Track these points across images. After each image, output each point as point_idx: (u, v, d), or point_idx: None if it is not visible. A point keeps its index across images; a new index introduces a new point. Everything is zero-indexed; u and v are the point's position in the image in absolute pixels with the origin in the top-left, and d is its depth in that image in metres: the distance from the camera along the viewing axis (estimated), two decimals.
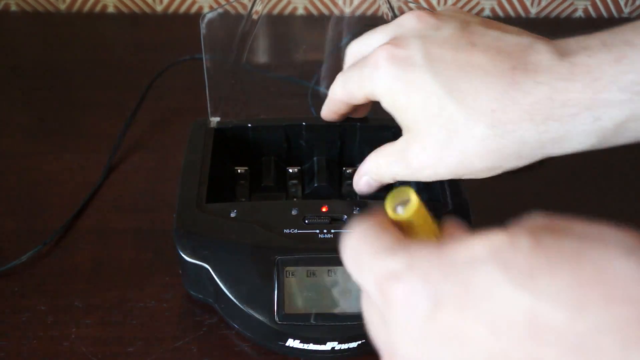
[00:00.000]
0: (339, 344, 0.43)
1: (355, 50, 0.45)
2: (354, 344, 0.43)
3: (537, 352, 0.21)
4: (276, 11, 0.81)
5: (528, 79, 0.37)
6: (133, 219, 0.55)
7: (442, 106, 0.38)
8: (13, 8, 0.80)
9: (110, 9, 0.81)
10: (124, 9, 0.81)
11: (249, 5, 0.54)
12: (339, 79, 0.45)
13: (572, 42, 0.38)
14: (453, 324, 0.24)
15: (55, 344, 0.46)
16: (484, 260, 0.23)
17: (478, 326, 0.23)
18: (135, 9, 0.81)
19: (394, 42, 0.41)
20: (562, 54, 0.37)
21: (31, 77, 0.70)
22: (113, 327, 0.47)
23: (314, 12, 0.82)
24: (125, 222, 0.55)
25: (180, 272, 0.47)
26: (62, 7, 0.81)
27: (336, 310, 0.43)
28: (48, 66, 0.72)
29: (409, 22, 0.41)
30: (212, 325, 0.47)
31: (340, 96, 0.45)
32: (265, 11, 0.56)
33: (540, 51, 0.38)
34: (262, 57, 0.58)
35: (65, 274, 0.50)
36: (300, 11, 0.81)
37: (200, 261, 0.44)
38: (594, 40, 0.37)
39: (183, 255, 0.45)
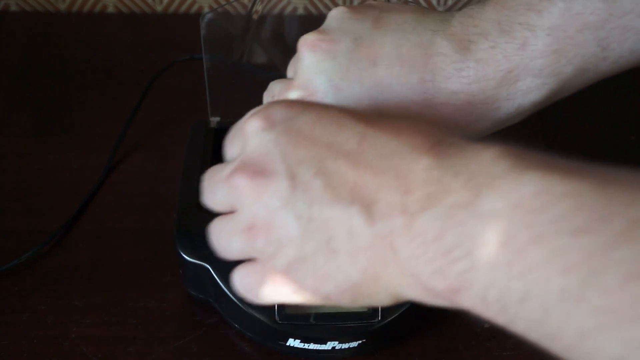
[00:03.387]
0: (339, 343, 0.43)
1: (273, 88, 0.44)
2: (354, 344, 0.43)
3: None
4: (276, 11, 0.81)
5: (440, 92, 0.37)
6: (133, 219, 0.55)
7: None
8: (13, 8, 0.80)
9: (110, 9, 0.81)
10: (124, 9, 0.81)
11: (249, 5, 0.54)
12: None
13: (469, 26, 0.37)
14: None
15: (55, 344, 0.46)
16: None
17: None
18: (135, 9, 0.81)
19: (300, 83, 0.40)
20: (464, 49, 0.36)
21: (31, 77, 0.70)
22: (113, 327, 0.47)
23: (314, 12, 0.82)
24: (125, 222, 0.55)
25: (180, 272, 0.47)
26: (62, 7, 0.81)
27: (336, 310, 0.43)
28: (48, 66, 0.72)
29: (305, 55, 0.40)
30: (212, 325, 0.47)
31: None
32: (265, 11, 0.56)
33: (442, 51, 0.37)
34: (262, 57, 0.58)
35: (65, 274, 0.50)
36: (300, 11, 0.81)
37: (201, 261, 0.44)
38: (489, 21, 0.36)
39: (183, 255, 0.45)
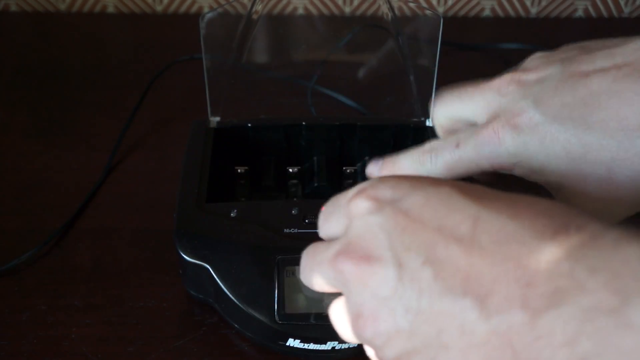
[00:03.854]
0: (339, 343, 0.43)
1: (449, 115, 0.45)
2: (354, 344, 0.43)
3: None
4: (276, 11, 0.81)
5: None
6: (133, 219, 0.55)
7: (586, 144, 0.37)
8: (13, 8, 0.80)
9: (110, 9, 0.81)
10: (124, 9, 0.81)
11: (249, 5, 0.54)
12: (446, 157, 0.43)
13: None
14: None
15: (55, 344, 0.46)
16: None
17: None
18: (135, 9, 0.81)
19: (506, 112, 0.40)
20: None
21: (31, 77, 0.70)
22: (113, 327, 0.47)
23: (314, 12, 0.82)
24: (125, 222, 0.55)
25: (180, 272, 0.47)
26: (62, 7, 0.81)
27: None
28: (48, 66, 0.72)
29: (506, 88, 0.41)
30: (212, 325, 0.47)
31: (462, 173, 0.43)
32: (265, 11, 0.56)
33: None
34: (262, 57, 0.58)
35: (65, 274, 0.50)
36: (300, 11, 0.81)
37: (200, 261, 0.44)
38: None
39: (183, 255, 0.45)
